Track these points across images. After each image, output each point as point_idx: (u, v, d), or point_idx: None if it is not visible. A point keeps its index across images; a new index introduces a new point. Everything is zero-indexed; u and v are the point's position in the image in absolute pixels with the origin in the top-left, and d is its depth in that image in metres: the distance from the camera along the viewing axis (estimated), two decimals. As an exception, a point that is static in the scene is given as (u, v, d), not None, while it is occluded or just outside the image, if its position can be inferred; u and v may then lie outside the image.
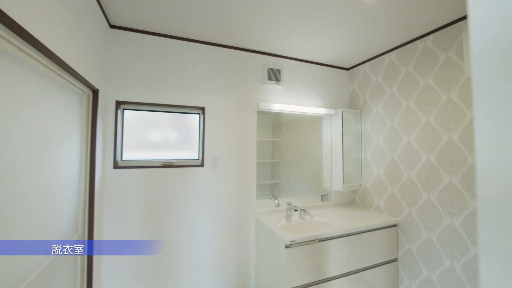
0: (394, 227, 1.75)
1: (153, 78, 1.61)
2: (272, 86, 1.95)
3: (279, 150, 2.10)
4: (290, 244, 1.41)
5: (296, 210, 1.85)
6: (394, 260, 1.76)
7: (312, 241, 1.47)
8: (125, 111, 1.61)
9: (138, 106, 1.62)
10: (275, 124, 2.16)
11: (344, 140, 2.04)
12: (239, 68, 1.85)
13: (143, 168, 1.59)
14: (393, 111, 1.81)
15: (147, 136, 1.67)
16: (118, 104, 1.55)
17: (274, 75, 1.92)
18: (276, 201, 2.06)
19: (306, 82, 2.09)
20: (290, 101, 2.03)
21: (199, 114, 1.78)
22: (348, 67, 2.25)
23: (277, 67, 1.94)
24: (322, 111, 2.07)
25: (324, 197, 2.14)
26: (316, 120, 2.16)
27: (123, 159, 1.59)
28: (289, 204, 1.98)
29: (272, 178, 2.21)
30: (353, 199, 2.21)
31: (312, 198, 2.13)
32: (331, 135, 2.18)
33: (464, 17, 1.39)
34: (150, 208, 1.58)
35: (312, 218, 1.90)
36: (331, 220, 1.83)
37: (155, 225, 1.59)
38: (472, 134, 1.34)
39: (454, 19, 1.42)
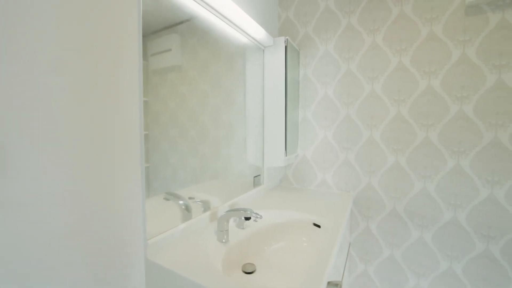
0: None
1: None
2: None
3: (146, 116, 0.85)
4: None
5: (248, 219, 0.92)
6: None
7: None
8: None
9: None
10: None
11: (287, 90, 1.32)
12: None
13: None
14: (351, 50, 1.33)
15: None
16: None
17: None
18: (181, 202, 0.97)
19: (234, -30, 1.10)
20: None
21: None
22: (279, -18, 1.51)
23: None
24: (259, 33, 1.19)
25: (257, 179, 1.34)
26: (230, 57, 1.16)
27: None
28: (192, 198, 1.02)
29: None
30: (284, 177, 1.60)
31: (227, 183, 1.23)
32: (264, 82, 1.38)
33: None
34: None
35: (256, 221, 1.05)
36: (293, 216, 1.09)
37: None
38: (459, 79, 1.10)
39: None
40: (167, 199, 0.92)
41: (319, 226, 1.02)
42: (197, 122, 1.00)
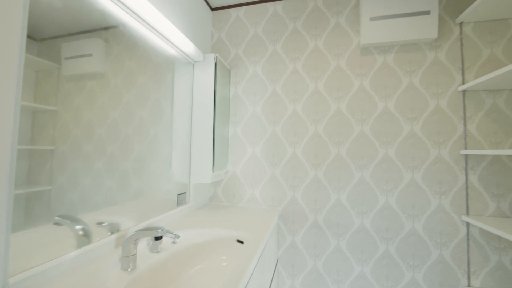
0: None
1: None
2: None
3: (52, 129, 0.74)
4: None
5: (158, 239, 0.81)
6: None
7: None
8: None
9: None
10: (43, 78, 0.68)
11: (215, 105, 1.32)
12: None
13: None
14: (277, 73, 1.45)
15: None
16: None
17: None
18: (78, 227, 0.80)
19: (162, -18, 1.09)
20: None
21: None
22: (213, 6, 1.57)
23: None
24: (188, 46, 1.18)
25: (181, 197, 1.24)
26: (159, 68, 1.11)
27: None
28: (101, 223, 0.89)
29: (30, 183, 0.67)
30: (213, 195, 1.53)
31: (147, 203, 1.10)
32: (193, 97, 1.35)
33: (350, -12, 1.37)
34: None
35: (175, 242, 0.95)
36: (217, 234, 1.03)
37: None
38: (359, 105, 1.33)
39: (343, -14, 1.37)
40: (58, 224, 0.75)
41: (242, 242, 0.99)
42: (119, 136, 0.88)
